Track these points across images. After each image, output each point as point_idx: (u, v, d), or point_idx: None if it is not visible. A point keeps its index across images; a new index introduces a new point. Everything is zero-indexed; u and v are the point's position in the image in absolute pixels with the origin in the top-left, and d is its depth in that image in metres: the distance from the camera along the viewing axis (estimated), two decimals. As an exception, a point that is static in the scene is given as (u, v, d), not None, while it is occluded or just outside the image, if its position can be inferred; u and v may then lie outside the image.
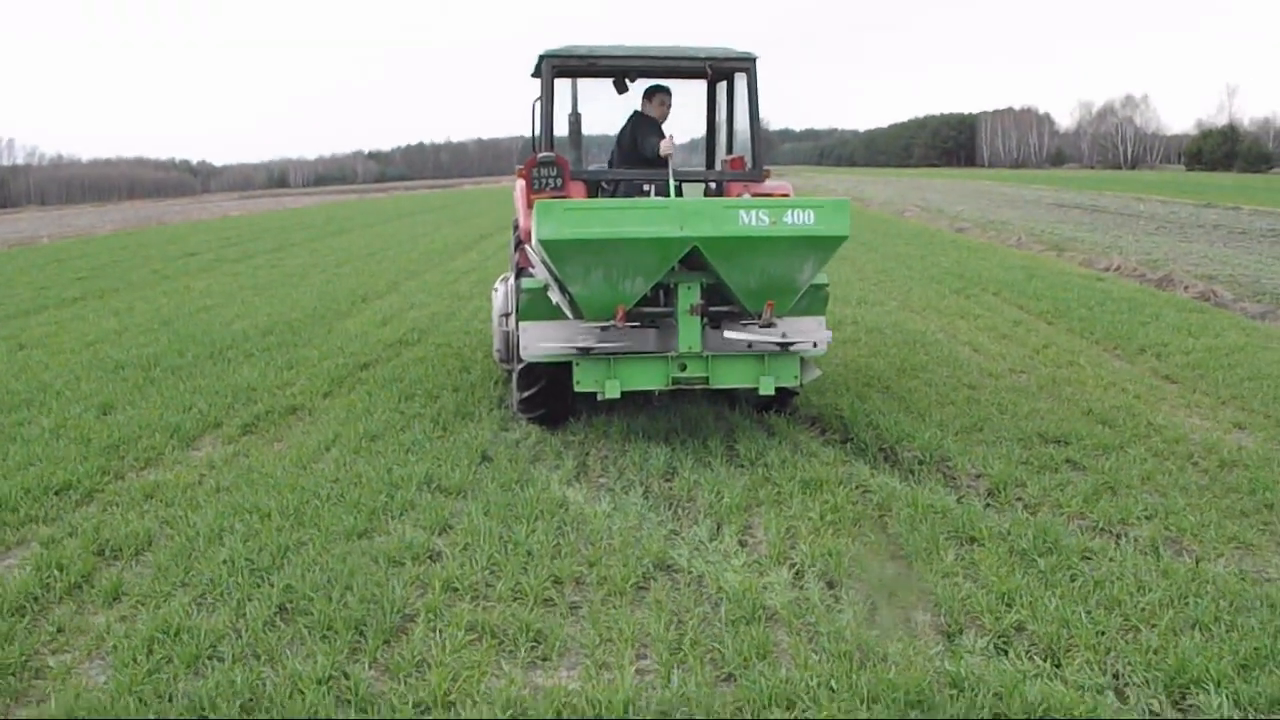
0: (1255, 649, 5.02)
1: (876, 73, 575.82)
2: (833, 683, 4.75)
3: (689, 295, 8.35)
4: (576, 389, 8.54)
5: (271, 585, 5.92)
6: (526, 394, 9.19)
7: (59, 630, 5.56)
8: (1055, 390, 10.56)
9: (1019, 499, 7.38)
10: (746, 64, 9.50)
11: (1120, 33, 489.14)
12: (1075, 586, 5.80)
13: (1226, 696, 4.64)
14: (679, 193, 9.21)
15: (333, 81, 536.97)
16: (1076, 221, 35.73)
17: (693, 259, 8.06)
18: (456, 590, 5.88)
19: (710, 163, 10.70)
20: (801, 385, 8.90)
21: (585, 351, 8.40)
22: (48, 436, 9.27)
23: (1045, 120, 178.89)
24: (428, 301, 17.59)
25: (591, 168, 9.98)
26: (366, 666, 5.03)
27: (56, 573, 6.20)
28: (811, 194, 53.59)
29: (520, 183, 9.42)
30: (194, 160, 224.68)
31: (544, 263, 8.25)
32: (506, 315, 9.82)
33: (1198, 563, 6.17)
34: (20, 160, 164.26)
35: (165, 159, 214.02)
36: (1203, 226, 32.67)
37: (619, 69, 9.67)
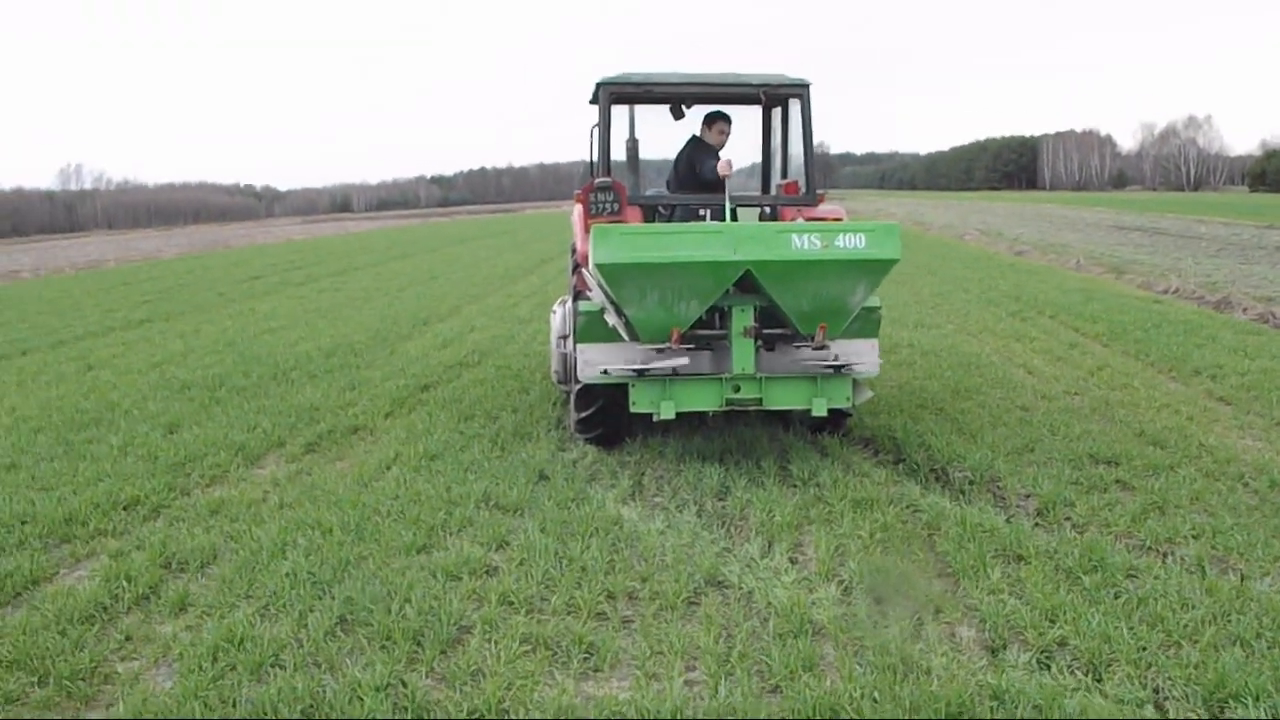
0: (1297, 666, 5.07)
1: (937, 94, 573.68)
2: (876, 694, 4.86)
3: (743, 318, 8.50)
4: (632, 409, 8.69)
5: (332, 597, 6.11)
6: (584, 415, 9.36)
7: (127, 639, 5.77)
8: (1108, 412, 10.59)
9: (1067, 518, 7.44)
10: (800, 90, 9.64)
11: (1183, 52, 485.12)
12: (1119, 603, 5.87)
13: (1265, 710, 4.70)
14: (734, 217, 9.19)
15: (396, 107, 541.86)
16: (1136, 244, 35.54)
17: (746, 282, 8.23)
18: (512, 604, 6.04)
19: (766, 187, 10.90)
20: (854, 406, 8.97)
21: (641, 373, 8.54)
22: (116, 454, 9.54)
23: (1107, 142, 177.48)
24: (488, 325, 17.81)
25: (649, 192, 10.12)
26: (424, 675, 5.19)
27: (125, 584, 6.43)
28: (872, 218, 53.69)
29: (578, 207, 9.57)
30: (259, 185, 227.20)
31: (601, 286, 8.47)
32: (564, 337, 9.90)
33: (1243, 580, 6.23)
34: (88, 185, 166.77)
35: (230, 184, 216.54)
36: (1264, 249, 32.38)
37: (675, 96, 9.86)
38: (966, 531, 7.04)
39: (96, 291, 27.13)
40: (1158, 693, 4.95)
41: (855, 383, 8.85)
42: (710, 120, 10.08)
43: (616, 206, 9.22)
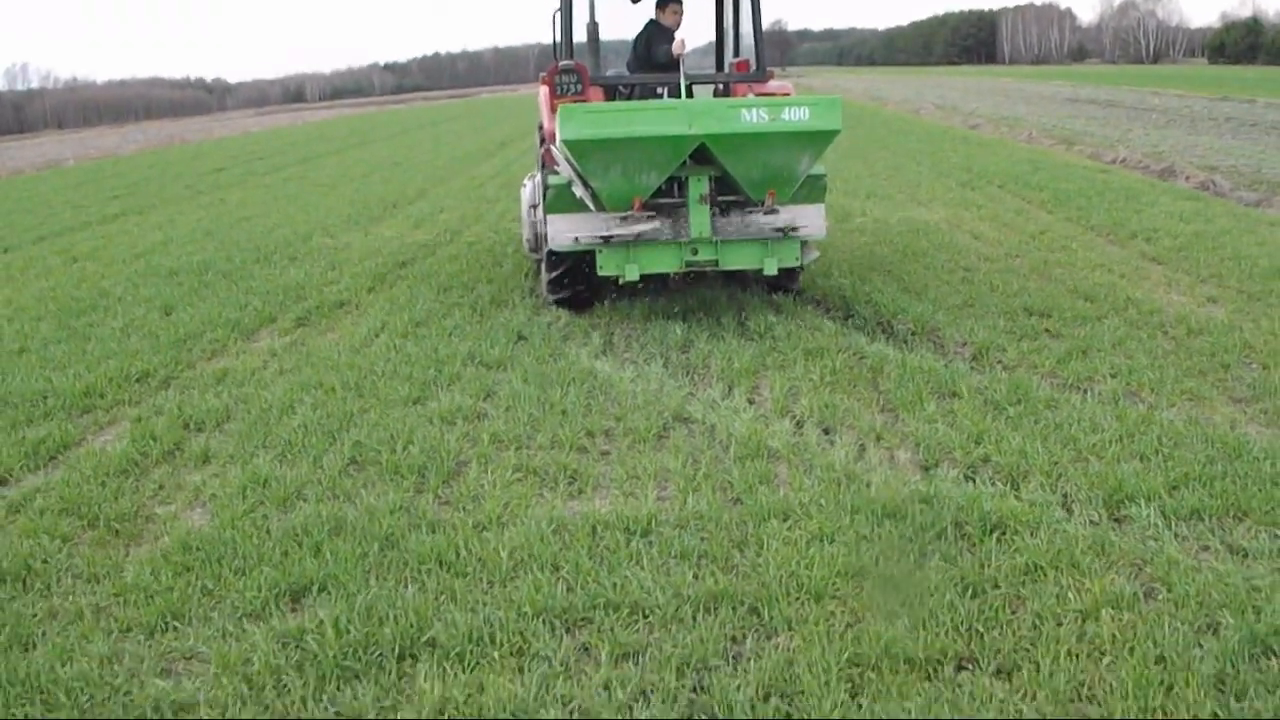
0: (1185, 473, 5.91)
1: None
2: (822, 500, 5.69)
3: (698, 186, 9.34)
4: (600, 273, 9.56)
5: (342, 443, 6.90)
6: (553, 279, 10.17)
7: (160, 487, 6.51)
8: (1045, 271, 11.38)
9: (999, 361, 8.25)
10: None
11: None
12: (1038, 428, 6.71)
13: (1155, 509, 5.53)
14: (689, 94, 10.10)
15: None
16: (1089, 116, 36.25)
17: (701, 154, 9.06)
18: (502, 442, 6.83)
19: (720, 65, 11.66)
20: (803, 266, 9.92)
21: (607, 240, 9.36)
22: (119, 335, 10.21)
23: (1066, 15, 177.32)
24: (456, 205, 18.46)
25: (609, 73, 10.86)
26: (430, 500, 6.00)
27: (151, 441, 7.16)
28: (829, 94, 53.94)
29: (544, 89, 10.28)
30: (209, 78, 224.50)
31: (568, 160, 9.18)
32: (534, 207, 10.70)
33: (1151, 410, 7.06)
34: (35, 84, 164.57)
35: (180, 78, 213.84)
36: (1214, 120, 33.11)
37: None
38: (906, 373, 7.85)
39: (63, 189, 27.44)
40: (1066, 497, 5.77)
41: (803, 244, 9.73)
42: (663, 3, 10.84)
43: (580, 87, 10.02)
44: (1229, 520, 5.44)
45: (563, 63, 10.10)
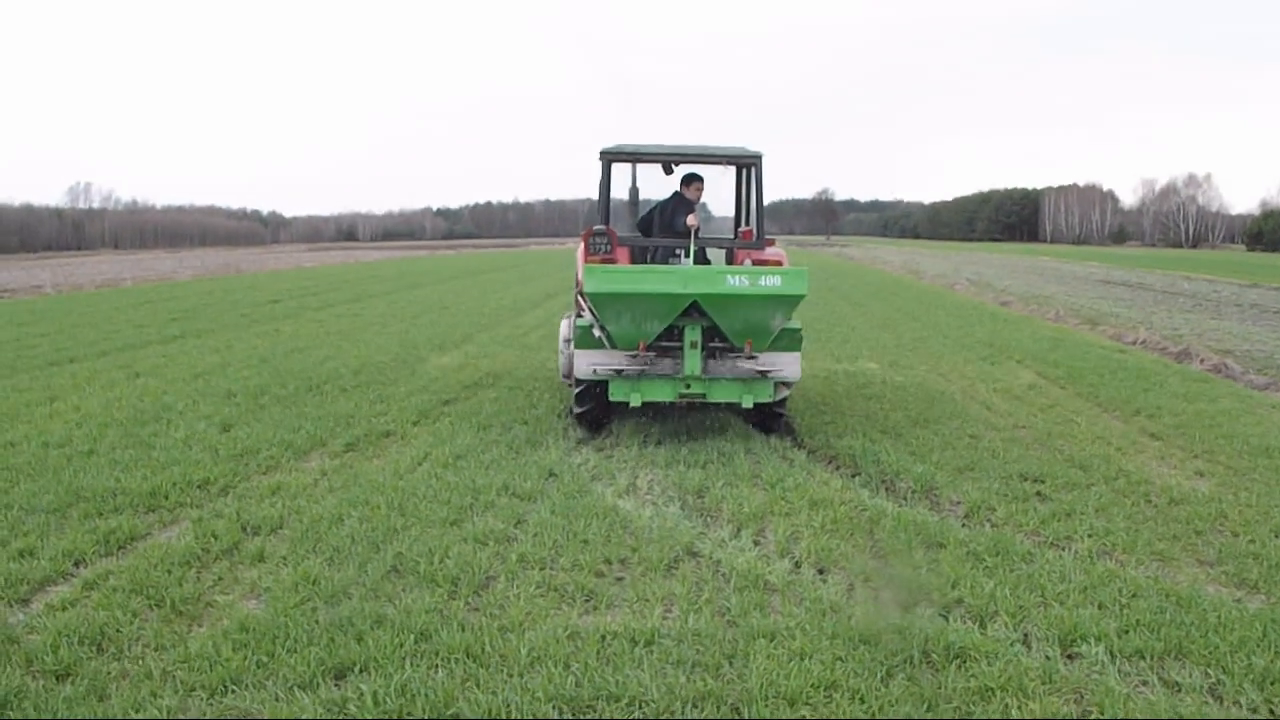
0: (1137, 620, 6.62)
1: (942, 144, 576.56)
2: (807, 626, 6.43)
3: (692, 334, 11.49)
4: (610, 399, 11.70)
5: (385, 553, 7.70)
6: (577, 397, 12.08)
7: (219, 579, 7.32)
8: (1047, 441, 12.10)
9: (988, 519, 8.98)
10: (754, 160, 12.56)
11: (1186, 110, 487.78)
12: (1011, 576, 7.42)
13: (1104, 648, 6.23)
14: (702, 255, 12.25)
15: (402, 136, 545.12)
16: (1117, 298, 37.16)
17: (694, 309, 11.23)
18: (528, 562, 7.61)
19: (736, 232, 13.29)
20: (783, 410, 12.25)
21: (619, 372, 11.51)
22: (181, 444, 11.13)
23: (1109, 197, 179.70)
24: (499, 351, 19.39)
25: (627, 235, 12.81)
26: (462, 605, 6.76)
27: (212, 539, 8.01)
28: (869, 265, 55.45)
29: (581, 245, 12.44)
30: (264, 210, 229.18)
31: (590, 308, 11.45)
32: (568, 342, 12.70)
33: (1122, 567, 7.76)
34: (97, 204, 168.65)
35: (237, 208, 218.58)
36: (1239, 305, 33.96)
37: (661, 160, 12.56)
38: (901, 525, 8.59)
39: (124, 308, 28.74)
40: (1026, 635, 6.48)
41: (776, 385, 11.87)
42: (687, 180, 12.93)
43: (609, 248, 12.18)
44: (1169, 659, 6.15)
45: (596, 227, 12.25)
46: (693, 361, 11.52)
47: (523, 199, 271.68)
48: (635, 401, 11.60)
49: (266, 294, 35.06)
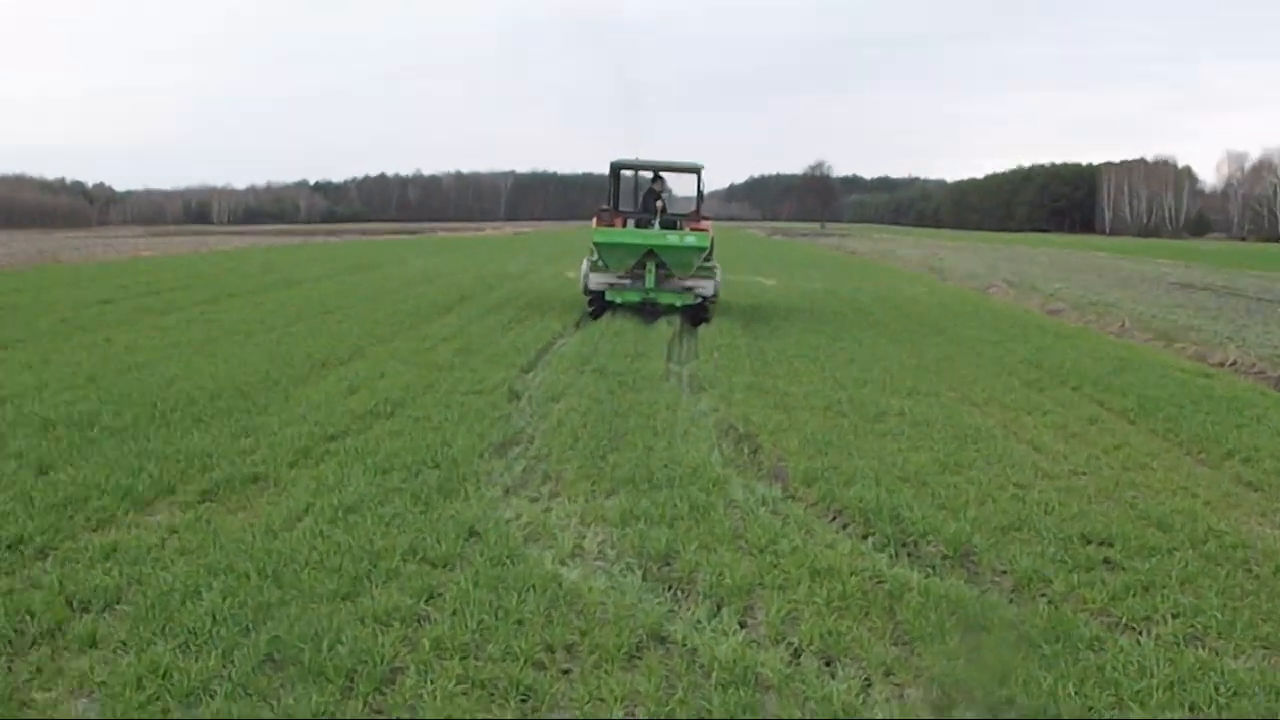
0: (1239, 728, 6.64)
1: (971, 103, 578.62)
2: (813, 734, 6.39)
3: (651, 265, 29.38)
4: (605, 298, 29.91)
5: (257, 636, 7.60)
6: (590, 300, 30.44)
7: (38, 670, 7.23)
8: (1115, 493, 12.14)
9: (1043, 594, 9.00)
10: (697, 169, 31.13)
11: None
12: (1076, 669, 7.43)
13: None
14: (664, 225, 30.20)
15: (272, 90, 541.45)
16: (1199, 306, 37.54)
17: (651, 252, 29.27)
18: (445, 649, 7.55)
19: (698, 210, 31.81)
20: (707, 305, 30.09)
21: (611, 285, 29.80)
22: (-16, 494, 10.94)
23: (1185, 176, 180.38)
24: (400, 371, 19.26)
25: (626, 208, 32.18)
26: (360, 707, 6.69)
27: (28, 619, 7.87)
28: (879, 262, 56.36)
29: (595, 219, 30.20)
30: (89, 182, 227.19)
31: (597, 251, 29.77)
32: (587, 274, 30.43)
33: (1217, 656, 7.79)
34: None
35: (54, 178, 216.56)
36: (1360, 315, 34.17)
37: (648, 168, 31.86)
38: (930, 602, 8.59)
39: (-97, 312, 28.38)
40: (1095, 747, 6.49)
41: (698, 295, 29.75)
42: (655, 178, 31.77)
43: (609, 218, 30.30)
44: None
45: (603, 208, 30.57)
46: (650, 280, 29.29)
47: (427, 171, 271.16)
48: (619, 300, 29.64)
49: (94, 292, 34.71)
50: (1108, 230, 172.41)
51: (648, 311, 29.73)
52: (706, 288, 29.70)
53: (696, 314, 29.75)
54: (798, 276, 52.05)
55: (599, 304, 29.98)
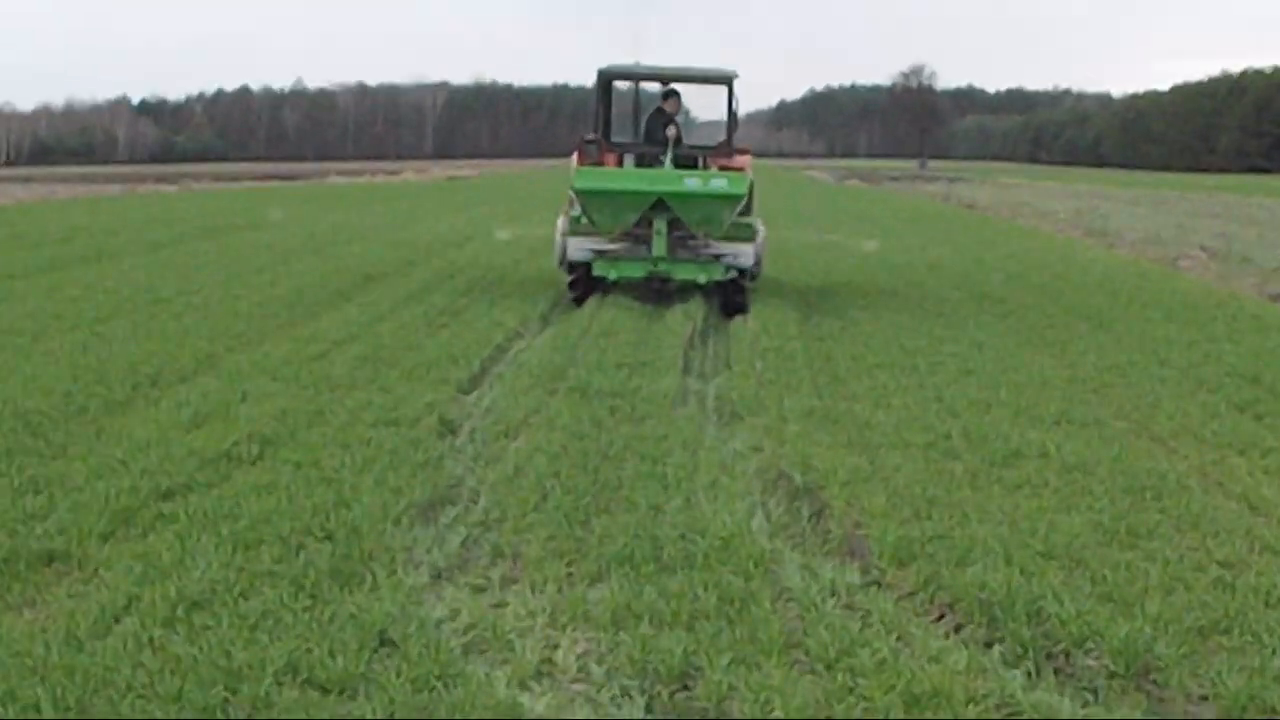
0: None
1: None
2: None
3: (660, 224, 28.62)
4: (594, 274, 29.50)
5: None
6: (570, 282, 30.51)
7: None
8: (1372, 578, 12.05)
9: (1264, 735, 8.95)
10: (727, 79, 30.54)
11: None
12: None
13: None
14: (676, 163, 29.24)
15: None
16: None
17: (661, 203, 28.35)
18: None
19: (729, 138, 30.86)
20: (739, 286, 29.78)
21: (600, 253, 29.14)
22: None
23: None
24: (272, 391, 19.06)
25: (617, 139, 31.89)
26: None
27: None
28: (1014, 222, 56.60)
29: (575, 155, 29.75)
30: None
31: (580, 202, 29.04)
32: (563, 235, 29.81)
33: None
34: None
35: None
36: None
37: (654, 78, 31.68)
38: (1090, 745, 8.54)
39: None
40: None
41: (730, 269, 29.24)
42: (665, 95, 31.04)
43: (597, 153, 29.63)
44: None
45: (588, 136, 29.75)
46: (660, 245, 28.32)
47: (312, 83, 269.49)
48: (612, 275, 28.90)
49: None
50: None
51: (655, 293, 29.66)
52: (744, 256, 28.82)
53: (729, 297, 29.33)
54: (884, 241, 51.79)
55: (583, 283, 29.36)
